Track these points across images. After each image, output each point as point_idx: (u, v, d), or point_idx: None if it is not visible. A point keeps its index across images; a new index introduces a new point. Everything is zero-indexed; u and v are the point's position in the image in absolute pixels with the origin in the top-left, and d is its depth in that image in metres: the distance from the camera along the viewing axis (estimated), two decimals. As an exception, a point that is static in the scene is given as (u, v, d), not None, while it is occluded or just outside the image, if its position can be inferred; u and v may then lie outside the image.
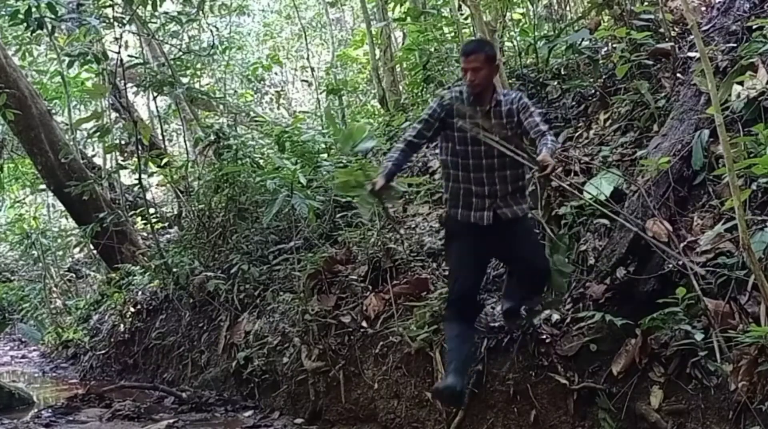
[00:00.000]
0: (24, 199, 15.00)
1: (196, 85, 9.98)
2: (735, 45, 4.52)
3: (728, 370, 3.48)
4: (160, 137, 10.75)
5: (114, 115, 10.78)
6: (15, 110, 8.52)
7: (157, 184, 11.62)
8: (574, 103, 6.05)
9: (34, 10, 6.52)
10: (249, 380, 6.26)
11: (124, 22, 8.00)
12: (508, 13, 6.91)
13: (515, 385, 4.28)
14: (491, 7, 6.53)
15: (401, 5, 8.22)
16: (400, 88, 9.22)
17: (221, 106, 11.03)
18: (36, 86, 10.63)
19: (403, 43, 9.24)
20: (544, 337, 4.28)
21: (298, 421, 5.54)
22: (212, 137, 7.60)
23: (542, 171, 3.62)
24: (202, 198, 7.86)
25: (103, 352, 8.72)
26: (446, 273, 5.42)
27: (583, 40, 5.83)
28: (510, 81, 5.91)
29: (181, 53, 9.28)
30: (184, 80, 8.90)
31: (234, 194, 7.30)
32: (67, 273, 12.37)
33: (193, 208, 8.10)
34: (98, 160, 11.88)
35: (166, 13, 8.50)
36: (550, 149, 3.67)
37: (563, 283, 4.24)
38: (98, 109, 9.93)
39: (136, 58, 8.80)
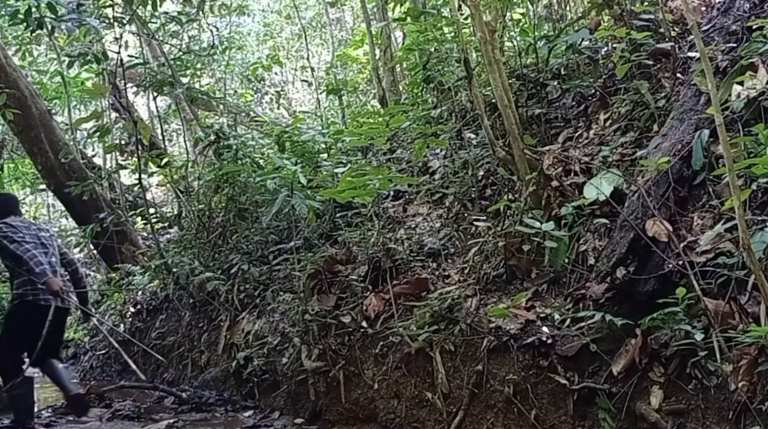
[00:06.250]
0: (24, 199, 15.01)
1: (196, 85, 9.98)
2: (735, 45, 4.50)
3: (728, 370, 3.47)
4: (160, 137, 10.77)
5: (114, 115, 10.80)
6: (15, 110, 8.53)
7: (157, 184, 11.63)
8: (574, 103, 6.05)
9: (34, 10, 6.51)
10: (249, 380, 6.26)
11: (124, 22, 8.02)
12: (508, 13, 6.89)
13: (515, 385, 4.28)
14: (491, 7, 6.51)
15: (401, 5, 8.21)
16: (400, 88, 9.21)
17: (221, 106, 11.05)
18: (36, 86, 10.64)
19: (403, 43, 9.23)
20: (544, 337, 4.28)
21: (298, 421, 5.53)
22: (212, 137, 7.60)
23: None
24: (202, 198, 7.86)
25: (103, 352, 8.73)
26: (445, 273, 5.43)
27: (583, 40, 5.81)
28: (510, 81, 5.90)
29: (181, 53, 9.28)
30: (184, 80, 8.91)
31: (234, 194, 7.30)
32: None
33: (193, 208, 8.11)
34: (98, 160, 11.89)
35: (166, 13, 8.50)
36: None
37: None
38: (98, 109, 9.93)
39: (136, 58, 8.81)
